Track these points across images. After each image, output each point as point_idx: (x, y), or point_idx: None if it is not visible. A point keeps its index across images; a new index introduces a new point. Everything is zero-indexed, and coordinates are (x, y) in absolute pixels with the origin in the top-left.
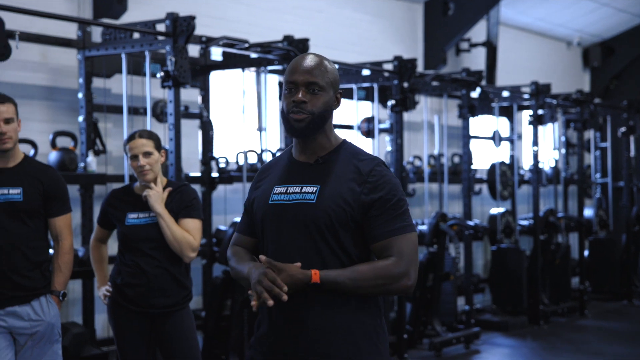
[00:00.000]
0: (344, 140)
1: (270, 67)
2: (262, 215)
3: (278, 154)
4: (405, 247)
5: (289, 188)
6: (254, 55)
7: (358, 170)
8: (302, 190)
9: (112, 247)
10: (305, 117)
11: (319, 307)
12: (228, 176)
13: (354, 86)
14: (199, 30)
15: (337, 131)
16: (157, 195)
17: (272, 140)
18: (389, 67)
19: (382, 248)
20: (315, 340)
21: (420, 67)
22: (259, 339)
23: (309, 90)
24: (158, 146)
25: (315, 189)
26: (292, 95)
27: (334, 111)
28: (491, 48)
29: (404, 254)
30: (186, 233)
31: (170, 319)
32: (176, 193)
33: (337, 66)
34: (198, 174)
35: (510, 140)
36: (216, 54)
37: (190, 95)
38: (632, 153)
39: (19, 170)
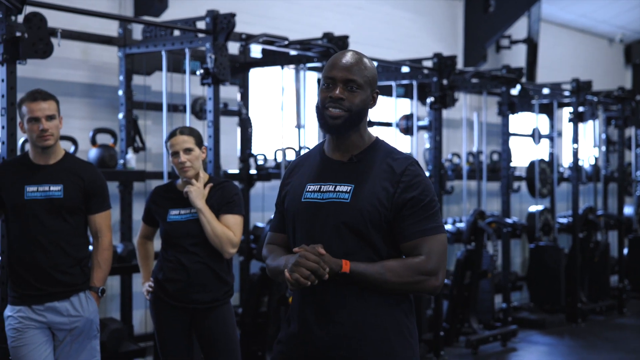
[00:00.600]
0: (377, 138)
1: (309, 65)
2: (294, 213)
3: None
4: (435, 247)
5: (323, 186)
6: (293, 52)
7: (392, 170)
8: (336, 189)
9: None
10: (342, 115)
11: (352, 303)
12: (266, 173)
13: (393, 83)
14: (239, 28)
15: (376, 128)
16: (198, 191)
17: (311, 138)
18: (428, 64)
19: (412, 247)
20: (347, 336)
21: (460, 64)
22: (289, 336)
23: (346, 87)
24: (199, 143)
25: (349, 188)
26: (329, 91)
27: (370, 110)
28: (532, 45)
29: (434, 253)
30: (226, 229)
31: (211, 315)
32: (217, 189)
33: (376, 64)
34: (236, 171)
35: (550, 137)
36: (256, 51)
37: (229, 93)
38: None
39: (60, 167)
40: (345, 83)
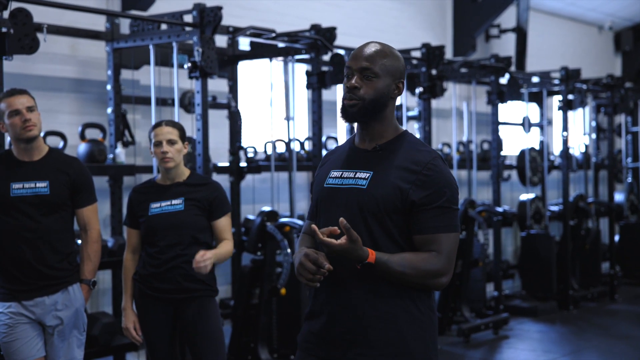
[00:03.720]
0: (406, 131)
1: (297, 57)
2: (317, 198)
3: (307, 143)
4: (446, 245)
5: (344, 173)
6: (281, 44)
7: (414, 161)
8: (356, 176)
9: None
10: (357, 103)
11: (366, 293)
12: (256, 166)
13: None
14: (228, 21)
15: None
16: (211, 259)
17: (300, 130)
18: (417, 54)
19: (424, 242)
20: (356, 324)
21: (449, 54)
22: (307, 318)
23: (363, 76)
24: (182, 136)
25: (368, 175)
26: (347, 81)
27: (395, 99)
28: (521, 34)
29: (445, 251)
30: (228, 246)
31: (194, 304)
32: (203, 187)
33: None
34: (226, 164)
35: (540, 126)
36: (244, 44)
37: (218, 86)
38: None
39: (45, 163)
40: (361, 72)
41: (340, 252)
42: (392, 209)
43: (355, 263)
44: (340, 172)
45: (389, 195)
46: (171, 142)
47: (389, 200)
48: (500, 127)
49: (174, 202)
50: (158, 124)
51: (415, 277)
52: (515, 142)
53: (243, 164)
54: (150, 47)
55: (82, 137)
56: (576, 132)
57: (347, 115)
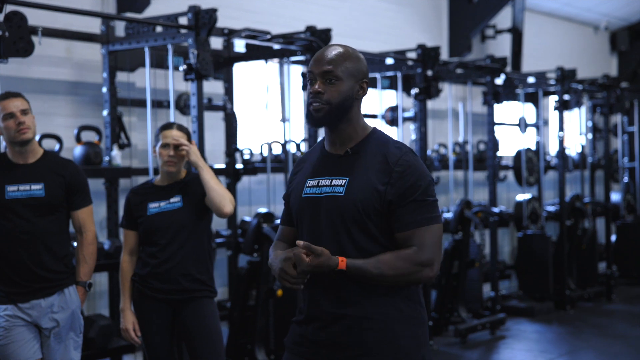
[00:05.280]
0: (374, 129)
1: (293, 58)
2: (297, 209)
3: (303, 144)
4: (427, 239)
5: (320, 181)
6: (276, 46)
7: (386, 160)
8: (332, 183)
9: None
10: (322, 107)
11: (354, 294)
12: (252, 167)
13: (378, 75)
14: (224, 23)
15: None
16: (197, 151)
17: (296, 131)
18: (412, 55)
19: (405, 238)
20: (350, 325)
21: (445, 55)
22: (299, 323)
23: (325, 81)
24: (188, 142)
25: (344, 181)
26: (311, 87)
27: (361, 100)
28: (517, 34)
29: (426, 244)
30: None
31: (192, 304)
32: (198, 181)
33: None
34: (222, 166)
35: (536, 126)
36: (239, 46)
37: (214, 88)
38: None
39: (40, 166)
40: (323, 76)
41: (311, 268)
42: (373, 212)
43: (330, 273)
44: (317, 181)
45: (367, 199)
46: (178, 148)
47: (368, 204)
48: (496, 127)
49: (172, 200)
50: (169, 126)
51: (397, 276)
52: (511, 143)
53: (239, 165)
54: (146, 49)
55: (78, 139)
56: (572, 132)
57: (313, 120)
